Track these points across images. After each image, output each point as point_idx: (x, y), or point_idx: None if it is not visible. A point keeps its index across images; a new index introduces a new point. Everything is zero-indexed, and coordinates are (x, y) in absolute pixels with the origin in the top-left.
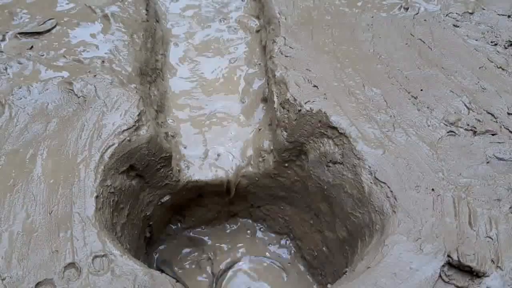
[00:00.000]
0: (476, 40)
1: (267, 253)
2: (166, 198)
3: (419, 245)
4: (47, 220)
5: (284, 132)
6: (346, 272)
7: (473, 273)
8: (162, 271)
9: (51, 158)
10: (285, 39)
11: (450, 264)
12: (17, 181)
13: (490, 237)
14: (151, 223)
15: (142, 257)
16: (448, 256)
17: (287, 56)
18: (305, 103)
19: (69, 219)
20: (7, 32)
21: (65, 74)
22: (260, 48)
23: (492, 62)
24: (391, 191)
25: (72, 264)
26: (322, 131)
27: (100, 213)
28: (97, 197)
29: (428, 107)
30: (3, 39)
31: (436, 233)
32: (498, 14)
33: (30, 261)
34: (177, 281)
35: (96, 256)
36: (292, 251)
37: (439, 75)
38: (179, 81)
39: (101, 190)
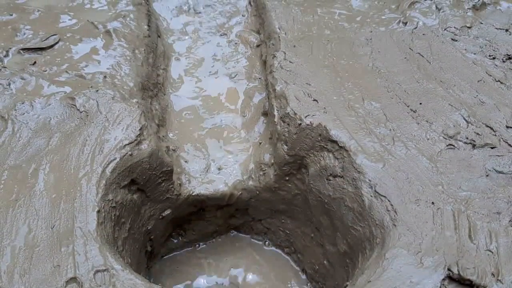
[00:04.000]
0: (474, 54)
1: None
2: (167, 212)
3: (419, 258)
4: (49, 234)
5: (285, 146)
6: (347, 286)
7: (474, 287)
8: None
9: (53, 172)
10: (285, 53)
11: (450, 278)
12: (19, 196)
13: (490, 251)
14: (152, 237)
15: (143, 271)
16: (449, 269)
17: (287, 71)
18: (305, 117)
19: (70, 234)
20: (10, 48)
21: (68, 89)
22: (261, 62)
23: (490, 75)
24: (391, 205)
25: (73, 279)
26: (322, 144)
27: (101, 227)
28: (98, 211)
29: (427, 121)
30: (6, 55)
31: (436, 247)
32: (496, 28)
33: (32, 276)
34: None
35: (97, 271)
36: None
37: (438, 89)
38: (180, 96)
39: (103, 204)
